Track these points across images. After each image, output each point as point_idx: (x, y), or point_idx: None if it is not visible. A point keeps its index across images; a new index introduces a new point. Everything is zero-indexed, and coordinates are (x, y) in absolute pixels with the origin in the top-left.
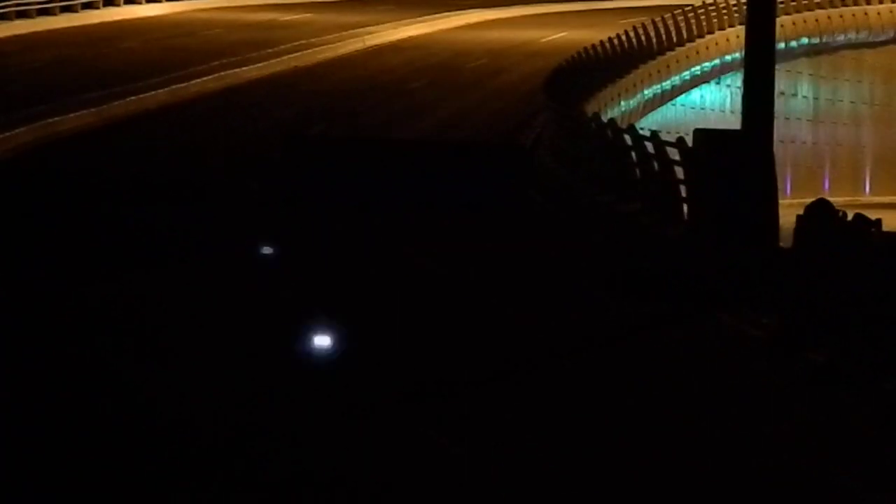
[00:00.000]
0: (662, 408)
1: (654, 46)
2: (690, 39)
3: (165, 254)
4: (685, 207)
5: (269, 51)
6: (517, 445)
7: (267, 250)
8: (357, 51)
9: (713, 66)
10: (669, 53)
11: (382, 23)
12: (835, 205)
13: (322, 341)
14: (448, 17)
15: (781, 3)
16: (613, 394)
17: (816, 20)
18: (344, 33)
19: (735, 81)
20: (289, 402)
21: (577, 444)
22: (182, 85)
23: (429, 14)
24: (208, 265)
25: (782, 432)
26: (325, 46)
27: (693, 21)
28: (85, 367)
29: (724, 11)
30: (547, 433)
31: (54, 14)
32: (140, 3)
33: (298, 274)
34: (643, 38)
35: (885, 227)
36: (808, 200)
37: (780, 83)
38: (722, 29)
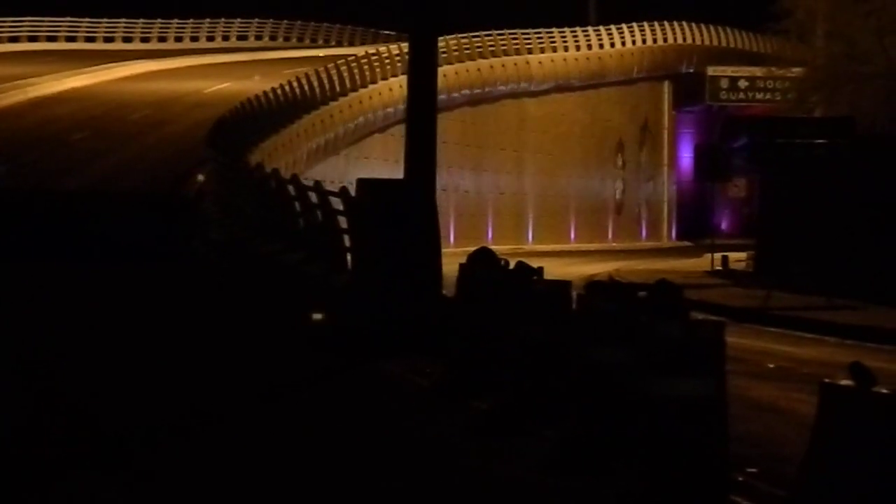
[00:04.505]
0: (328, 462)
1: (318, 97)
2: (354, 89)
3: None
4: (349, 257)
5: None
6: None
7: None
8: (19, 102)
9: (377, 117)
10: (333, 103)
11: (44, 74)
12: (498, 253)
13: None
14: (110, 68)
15: (444, 53)
16: (264, 448)
17: (479, 70)
18: (6, 84)
19: (400, 131)
20: None
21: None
22: None
23: (91, 66)
24: None
25: (439, 479)
26: None
27: (357, 71)
28: None
29: (388, 61)
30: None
31: None
32: None
33: None
34: (307, 88)
35: (546, 275)
36: (472, 249)
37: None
38: (385, 79)
